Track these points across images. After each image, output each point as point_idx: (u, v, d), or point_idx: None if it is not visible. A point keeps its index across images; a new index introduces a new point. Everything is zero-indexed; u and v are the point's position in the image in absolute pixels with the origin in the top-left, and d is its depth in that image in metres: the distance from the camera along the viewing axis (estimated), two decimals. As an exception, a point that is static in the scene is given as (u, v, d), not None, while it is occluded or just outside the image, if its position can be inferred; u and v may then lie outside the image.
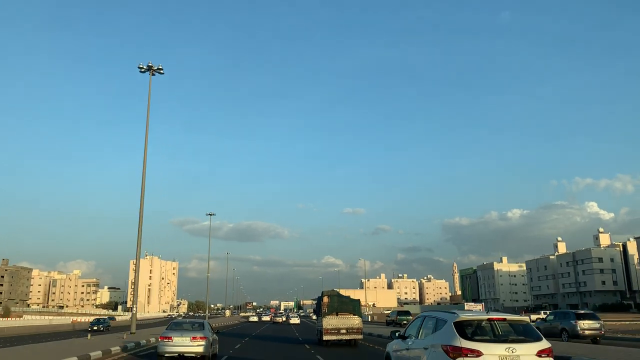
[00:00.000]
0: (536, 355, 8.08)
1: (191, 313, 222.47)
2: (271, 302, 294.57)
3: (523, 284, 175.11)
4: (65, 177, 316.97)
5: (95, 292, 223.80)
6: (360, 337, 27.15)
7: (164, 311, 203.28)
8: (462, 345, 8.05)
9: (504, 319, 8.77)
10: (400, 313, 55.27)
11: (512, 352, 7.96)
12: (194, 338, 16.82)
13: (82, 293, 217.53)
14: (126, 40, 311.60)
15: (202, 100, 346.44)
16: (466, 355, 7.95)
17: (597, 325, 26.05)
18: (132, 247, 34.80)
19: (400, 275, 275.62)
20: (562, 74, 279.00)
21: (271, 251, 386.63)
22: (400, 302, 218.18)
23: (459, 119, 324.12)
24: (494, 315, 8.95)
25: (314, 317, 38.72)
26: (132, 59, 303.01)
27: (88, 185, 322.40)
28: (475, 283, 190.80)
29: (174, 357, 17.18)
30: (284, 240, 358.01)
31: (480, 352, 7.92)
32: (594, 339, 25.77)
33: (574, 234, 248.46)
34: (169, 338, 16.91)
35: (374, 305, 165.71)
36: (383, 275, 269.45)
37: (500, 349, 8.01)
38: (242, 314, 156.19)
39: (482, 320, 8.85)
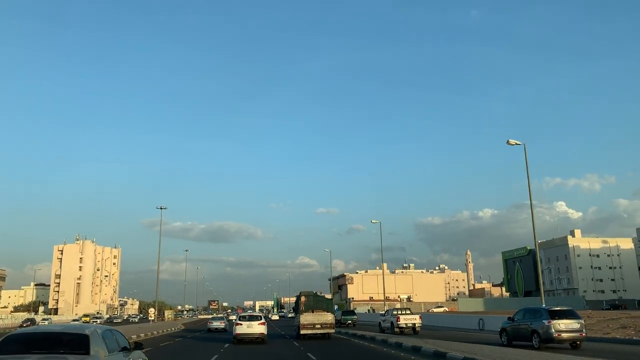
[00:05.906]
0: (258, 325, 26.59)
1: (141, 315, 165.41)
2: (245, 302, 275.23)
3: (610, 267, 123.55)
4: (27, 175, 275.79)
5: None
6: (332, 331, 31.44)
7: (98, 312, 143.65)
8: (237, 322, 26.84)
9: (251, 315, 29.24)
10: (344, 313, 55.69)
11: (251, 323, 26.25)
12: (221, 322, 46.12)
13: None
14: (79, 31, 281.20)
15: (172, 99, 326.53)
16: (237, 325, 26.68)
17: (577, 326, 20.89)
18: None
19: (405, 264, 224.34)
20: (532, 74, 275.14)
21: (244, 252, 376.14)
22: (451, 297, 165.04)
23: (432, 120, 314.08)
24: (248, 313, 31.12)
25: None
26: (95, 53, 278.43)
27: (50, 183, 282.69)
28: (530, 269, 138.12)
29: (213, 330, 44.56)
30: (258, 240, 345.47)
31: (242, 324, 26.32)
32: (573, 344, 21.19)
33: (543, 233, 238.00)
34: (211, 322, 46.21)
35: (409, 299, 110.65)
36: (385, 265, 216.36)
37: (247, 321, 26.96)
38: (201, 316, 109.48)
39: (246, 315, 28.46)
